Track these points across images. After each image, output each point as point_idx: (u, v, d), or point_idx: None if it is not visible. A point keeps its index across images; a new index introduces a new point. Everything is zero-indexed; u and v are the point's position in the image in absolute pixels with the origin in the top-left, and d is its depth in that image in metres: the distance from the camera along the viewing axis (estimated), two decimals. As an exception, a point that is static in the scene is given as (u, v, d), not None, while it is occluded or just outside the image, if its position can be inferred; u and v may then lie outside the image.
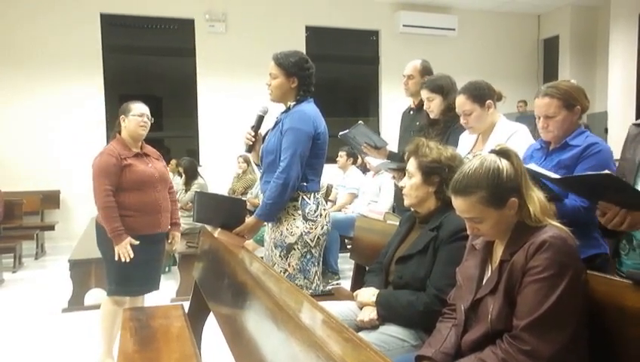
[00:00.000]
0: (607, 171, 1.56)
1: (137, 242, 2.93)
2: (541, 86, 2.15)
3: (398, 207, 3.74)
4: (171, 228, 3.24)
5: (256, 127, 2.67)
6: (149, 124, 3.14)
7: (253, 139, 2.66)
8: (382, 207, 5.20)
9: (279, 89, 2.53)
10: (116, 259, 2.91)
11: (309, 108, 2.53)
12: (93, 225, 3.19)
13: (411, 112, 3.54)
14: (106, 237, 2.93)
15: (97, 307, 3.18)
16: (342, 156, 6.12)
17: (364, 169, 6.20)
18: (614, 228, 1.58)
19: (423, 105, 3.36)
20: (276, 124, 2.59)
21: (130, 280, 3.01)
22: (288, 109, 2.55)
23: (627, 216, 1.53)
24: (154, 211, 3.06)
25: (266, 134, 2.67)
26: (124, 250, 2.90)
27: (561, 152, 2.08)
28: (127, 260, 2.90)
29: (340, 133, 3.11)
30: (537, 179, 1.69)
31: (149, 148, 3.25)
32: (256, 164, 2.81)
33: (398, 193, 3.54)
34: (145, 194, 3.02)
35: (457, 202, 1.55)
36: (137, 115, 3.07)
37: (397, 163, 3.05)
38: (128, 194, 2.97)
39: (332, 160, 6.36)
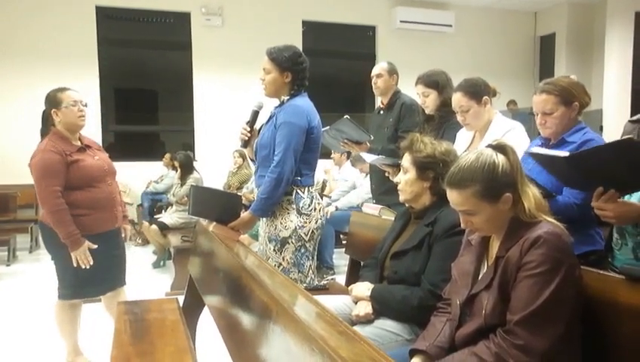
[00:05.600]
0: (630, 136, 1.55)
1: (95, 246, 2.75)
2: (539, 83, 2.15)
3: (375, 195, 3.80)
4: (122, 220, 3.05)
5: (252, 122, 2.67)
6: (85, 110, 2.83)
7: (249, 135, 2.66)
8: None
9: (273, 84, 2.52)
10: (74, 265, 2.72)
11: (303, 102, 2.53)
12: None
13: (381, 112, 3.65)
14: (57, 238, 2.70)
15: (90, 301, 3.15)
16: (335, 152, 6.12)
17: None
18: (602, 217, 1.59)
19: (392, 103, 3.51)
20: (270, 118, 2.59)
21: (90, 282, 2.82)
22: (282, 103, 2.56)
23: (608, 209, 1.55)
24: (109, 206, 2.87)
25: (261, 128, 2.67)
26: (83, 256, 2.71)
27: (558, 148, 2.08)
28: (87, 267, 2.73)
29: (323, 129, 3.12)
30: (530, 177, 1.69)
31: (88, 140, 2.95)
32: (251, 160, 2.81)
33: (377, 182, 3.61)
34: (98, 190, 2.80)
35: (452, 195, 1.55)
36: (72, 105, 2.75)
37: (391, 158, 3.07)
38: (79, 192, 2.73)
39: (328, 155, 6.37)
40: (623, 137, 1.51)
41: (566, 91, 2.05)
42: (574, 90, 2.07)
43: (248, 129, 2.66)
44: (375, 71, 3.57)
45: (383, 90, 3.55)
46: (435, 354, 1.59)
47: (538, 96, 2.09)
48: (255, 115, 2.67)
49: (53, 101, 2.78)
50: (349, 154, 6.17)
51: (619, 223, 1.70)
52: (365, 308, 1.99)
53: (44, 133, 2.83)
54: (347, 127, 3.16)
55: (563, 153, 1.65)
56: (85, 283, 2.84)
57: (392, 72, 3.54)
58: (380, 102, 3.69)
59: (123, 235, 3.11)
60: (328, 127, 3.15)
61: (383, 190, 3.52)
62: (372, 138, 3.30)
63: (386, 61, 3.63)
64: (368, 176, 5.52)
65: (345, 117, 3.11)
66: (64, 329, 2.97)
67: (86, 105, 2.86)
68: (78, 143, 2.85)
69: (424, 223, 2.00)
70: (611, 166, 1.52)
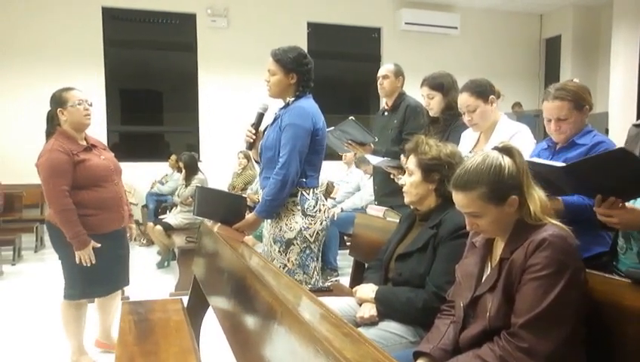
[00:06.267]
0: (621, 146, 1.56)
1: (99, 245, 2.76)
2: (548, 88, 2.15)
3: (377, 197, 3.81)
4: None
5: (257, 124, 2.66)
6: (91, 109, 2.85)
7: (254, 137, 2.66)
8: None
9: (278, 85, 2.52)
10: (77, 262, 2.74)
11: (308, 103, 2.53)
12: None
13: (385, 113, 3.64)
14: (64, 238, 2.73)
15: (94, 301, 3.17)
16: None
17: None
18: (607, 223, 1.59)
19: (397, 105, 3.50)
20: (275, 119, 2.59)
21: (96, 282, 2.85)
22: (287, 105, 2.55)
23: (614, 215, 1.55)
24: (116, 206, 2.88)
25: (266, 130, 2.67)
26: (87, 256, 2.73)
27: (568, 150, 2.10)
28: (89, 265, 2.74)
29: (328, 130, 3.10)
30: (541, 177, 1.69)
31: (93, 139, 2.96)
32: (256, 161, 2.81)
33: (380, 184, 3.61)
34: (105, 190, 2.81)
35: (458, 197, 1.55)
36: (77, 104, 2.77)
37: (396, 161, 3.07)
38: (86, 191, 2.75)
39: (334, 157, 6.37)
40: (616, 147, 1.52)
41: (578, 96, 2.07)
42: (584, 94, 2.09)
43: (253, 131, 2.65)
44: (381, 72, 3.57)
45: (388, 92, 3.55)
46: (439, 356, 1.58)
47: (551, 102, 2.09)
48: (260, 117, 2.66)
49: (58, 100, 2.80)
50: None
51: (624, 229, 1.70)
52: (370, 311, 1.98)
53: (49, 133, 2.84)
54: (352, 128, 3.16)
55: (559, 163, 1.66)
56: (91, 283, 2.85)
57: (398, 73, 3.54)
58: (384, 103, 3.68)
59: (128, 234, 3.12)
60: (332, 128, 3.15)
61: (386, 192, 3.52)
62: (376, 140, 3.30)
63: (393, 63, 3.63)
64: (371, 178, 5.53)
65: (350, 118, 3.11)
66: (69, 328, 2.98)
67: (91, 105, 2.87)
68: (84, 143, 2.86)
69: (429, 225, 1.99)
70: (607, 174, 1.53)
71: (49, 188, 2.68)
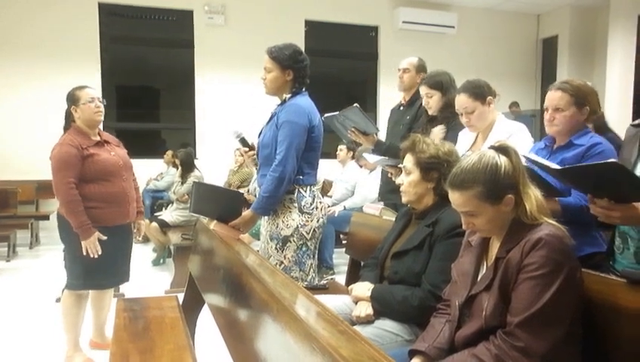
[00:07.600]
0: (612, 159, 1.57)
1: (105, 237, 2.83)
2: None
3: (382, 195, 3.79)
4: (136, 216, 3.13)
5: (246, 145, 2.72)
6: (103, 107, 2.98)
7: (255, 155, 2.68)
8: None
9: (274, 82, 2.53)
10: (84, 254, 2.80)
11: (304, 101, 2.54)
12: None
13: (401, 108, 3.58)
14: (70, 229, 2.81)
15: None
16: (342, 150, 6.11)
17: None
18: (605, 221, 1.59)
19: (413, 101, 3.42)
20: (271, 117, 2.59)
21: (97, 273, 2.90)
22: (283, 102, 2.56)
23: (616, 209, 1.55)
24: (122, 201, 2.95)
25: (262, 131, 2.67)
26: (93, 246, 2.80)
27: (565, 151, 2.11)
28: (96, 256, 2.81)
29: (326, 115, 3.07)
30: (539, 177, 1.69)
31: (107, 135, 3.10)
32: (255, 168, 2.83)
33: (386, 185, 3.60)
34: (112, 184, 2.90)
35: (454, 196, 1.55)
36: (89, 102, 2.90)
37: (395, 160, 3.06)
38: (94, 185, 2.85)
39: (330, 155, 6.36)
40: (610, 160, 1.52)
41: (580, 92, 2.09)
42: (588, 95, 2.11)
43: (252, 152, 2.69)
44: (402, 65, 3.49)
45: (407, 86, 3.47)
46: (434, 355, 1.59)
47: (553, 92, 2.12)
48: (243, 140, 2.72)
49: (72, 98, 2.94)
50: (353, 154, 6.14)
51: (624, 224, 1.70)
52: (366, 309, 1.98)
53: (66, 128, 2.98)
54: (355, 115, 3.11)
55: (554, 165, 1.66)
56: (92, 274, 2.90)
57: (420, 69, 3.46)
58: (401, 98, 3.61)
59: (136, 230, 3.18)
60: (337, 113, 3.11)
61: (389, 188, 3.48)
62: (379, 131, 3.25)
63: (417, 57, 3.52)
64: (371, 174, 5.53)
65: (354, 105, 3.07)
66: (68, 319, 3.01)
67: (104, 103, 3.00)
68: (97, 138, 2.97)
69: (425, 224, 1.99)
70: (602, 182, 1.54)
71: (57, 180, 2.79)
